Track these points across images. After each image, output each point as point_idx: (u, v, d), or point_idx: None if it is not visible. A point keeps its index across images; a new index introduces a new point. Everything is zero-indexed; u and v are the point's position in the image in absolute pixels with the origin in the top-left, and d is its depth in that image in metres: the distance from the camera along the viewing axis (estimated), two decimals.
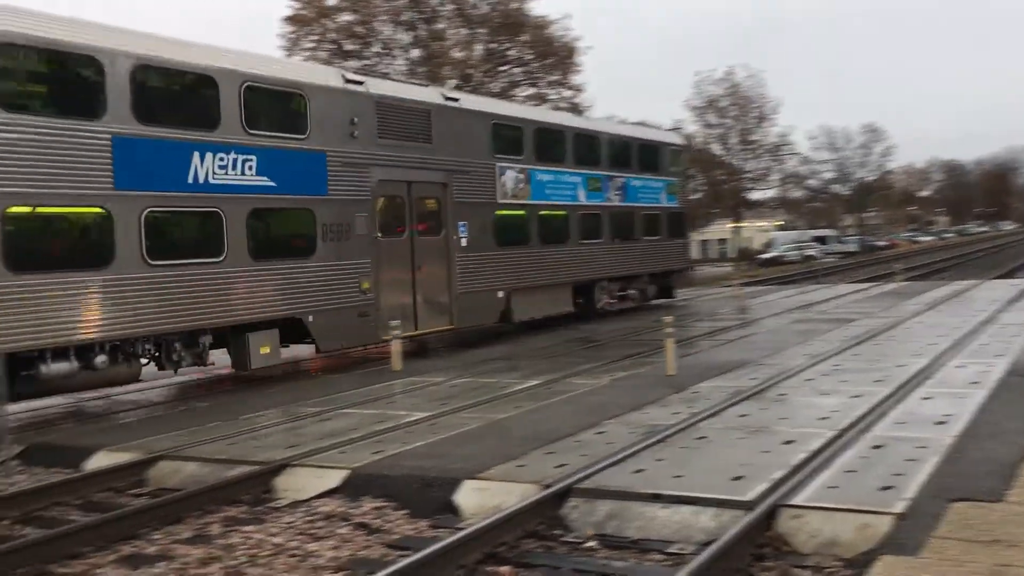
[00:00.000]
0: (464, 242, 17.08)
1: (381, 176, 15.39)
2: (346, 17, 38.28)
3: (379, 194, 15.42)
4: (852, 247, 78.46)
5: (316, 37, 38.13)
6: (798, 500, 6.19)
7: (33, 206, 10.88)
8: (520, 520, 6.39)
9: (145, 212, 11.85)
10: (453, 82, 36.97)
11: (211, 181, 12.68)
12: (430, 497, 7.23)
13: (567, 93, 41.04)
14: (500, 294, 17.91)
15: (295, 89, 14.10)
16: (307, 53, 36.98)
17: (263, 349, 13.35)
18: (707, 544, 5.66)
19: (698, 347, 15.11)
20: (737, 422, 8.93)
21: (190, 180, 12.44)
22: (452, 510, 7.06)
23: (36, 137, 10.78)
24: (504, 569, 5.84)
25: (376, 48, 39.28)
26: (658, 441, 8.21)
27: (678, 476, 7.00)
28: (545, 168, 19.47)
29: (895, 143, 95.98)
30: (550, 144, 19.88)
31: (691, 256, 26.99)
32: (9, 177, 10.52)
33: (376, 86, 15.72)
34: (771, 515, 6.01)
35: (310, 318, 14.01)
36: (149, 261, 11.85)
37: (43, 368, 10.90)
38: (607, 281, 21.62)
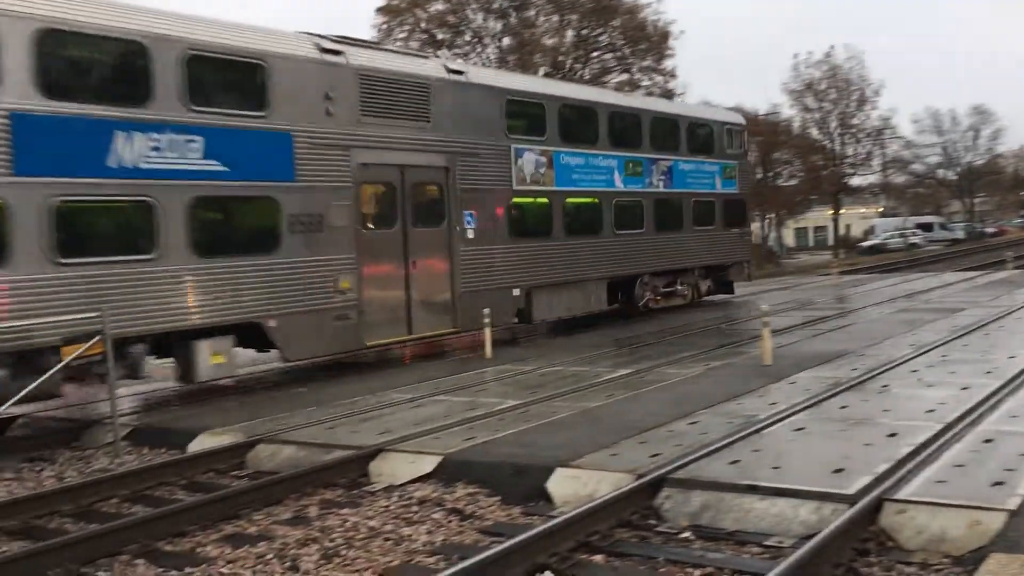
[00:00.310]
0: (471, 234, 15.18)
1: (365, 159, 13.48)
2: (438, 6, 38.55)
3: (362, 180, 13.56)
4: (959, 234, 75.43)
5: (408, 27, 38.53)
6: (903, 495, 6.03)
7: None
8: (613, 509, 6.35)
9: (52, 202, 10.10)
10: (544, 69, 36.88)
11: (141, 166, 10.84)
12: (522, 484, 7.25)
13: (660, 79, 40.50)
14: (516, 292, 16.01)
15: (253, 59, 12.20)
16: (399, 43, 37.40)
17: (214, 359, 11.61)
18: (807, 538, 5.51)
19: (795, 336, 14.74)
20: (838, 414, 8.70)
21: (112, 164, 10.57)
22: (544, 498, 7.07)
23: None
24: (598, 558, 5.80)
25: (467, 37, 39.47)
26: (754, 432, 8.06)
27: (776, 468, 6.86)
28: (573, 150, 17.43)
29: (1005, 125, 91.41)
30: (579, 123, 17.93)
31: (751, 247, 24.37)
32: None
33: (359, 56, 13.65)
34: (875, 509, 5.83)
35: (272, 323, 12.18)
36: (58, 259, 10.13)
37: None
38: (650, 276, 19.66)
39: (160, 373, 13.07)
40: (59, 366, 9.53)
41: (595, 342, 15.65)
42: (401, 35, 38.30)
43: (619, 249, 18.51)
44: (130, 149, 10.75)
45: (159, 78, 11.11)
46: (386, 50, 14.69)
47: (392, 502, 7.26)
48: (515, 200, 16.26)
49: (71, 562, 6.15)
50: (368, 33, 39.14)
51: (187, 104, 11.36)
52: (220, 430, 9.80)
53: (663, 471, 6.89)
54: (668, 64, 40.79)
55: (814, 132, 57.74)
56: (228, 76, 12.24)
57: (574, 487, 7.05)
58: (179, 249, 11.18)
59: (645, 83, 40.15)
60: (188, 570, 5.98)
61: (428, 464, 7.92)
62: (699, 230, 21.07)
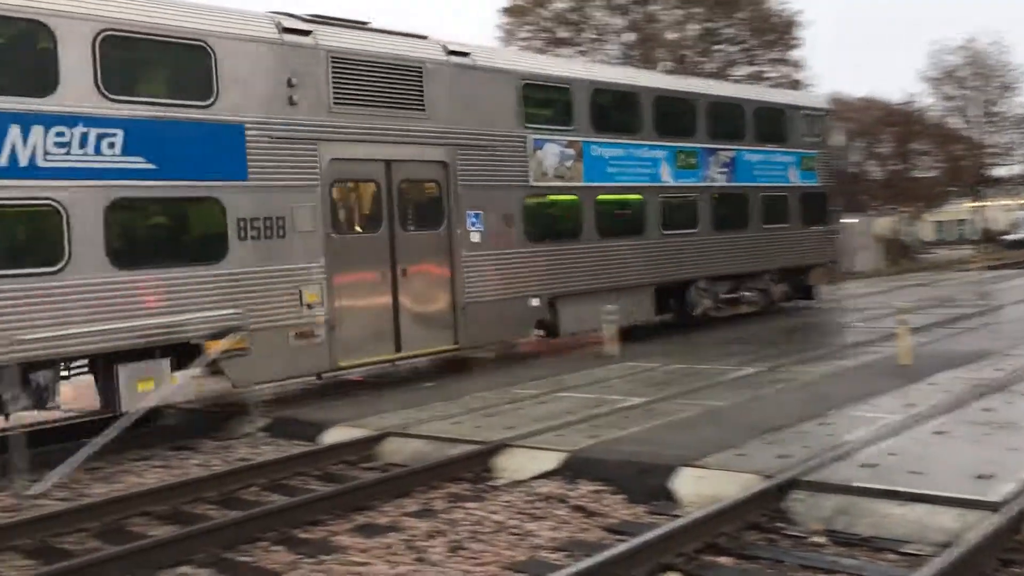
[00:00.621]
0: (476, 237, 13.43)
1: (337, 154, 11.92)
2: (560, 5, 38.60)
3: (335, 177, 11.99)
4: None
5: (531, 27, 38.73)
6: None
7: None
8: (741, 511, 6.25)
9: None
10: (667, 64, 36.43)
11: (42, 164, 9.40)
12: (647, 483, 7.22)
13: (787, 69, 39.39)
14: (534, 302, 14.18)
15: (193, 39, 10.65)
16: (523, 43, 37.63)
17: (142, 385, 10.05)
18: (947, 546, 5.28)
19: (934, 335, 14.09)
20: (981, 416, 8.32)
21: (3, 163, 9.16)
22: (669, 497, 7.02)
23: None
24: (725, 559, 5.72)
25: (589, 34, 39.37)
26: (891, 434, 7.75)
27: (914, 472, 6.62)
28: (607, 140, 15.45)
29: None
30: (616, 110, 16.01)
31: (838, 247, 21.54)
32: None
33: (331, 37, 12.02)
34: (1021, 518, 5.52)
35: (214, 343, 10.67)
36: None
37: None
38: (707, 281, 17.40)
39: (80, 400, 11.80)
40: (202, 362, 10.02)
41: (721, 339, 15.37)
42: (524, 35, 38.55)
43: (667, 252, 16.46)
44: (28, 145, 9.31)
45: (66, 63, 9.62)
46: (372, 30, 12.72)
47: (516, 497, 7.34)
48: (532, 198, 14.42)
49: (215, 547, 6.47)
50: (494, 35, 39.61)
51: (103, 92, 9.86)
52: (351, 423, 10.08)
53: (793, 473, 6.75)
54: (795, 54, 39.65)
55: (955, 121, 54.96)
56: (159, 60, 10.72)
57: (700, 487, 6.98)
58: (93, 259, 9.69)
59: (771, 75, 39.14)
60: (322, 558, 6.19)
61: (552, 460, 7.96)
62: (769, 229, 18.83)
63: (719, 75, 35.71)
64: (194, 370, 10.46)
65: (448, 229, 13.19)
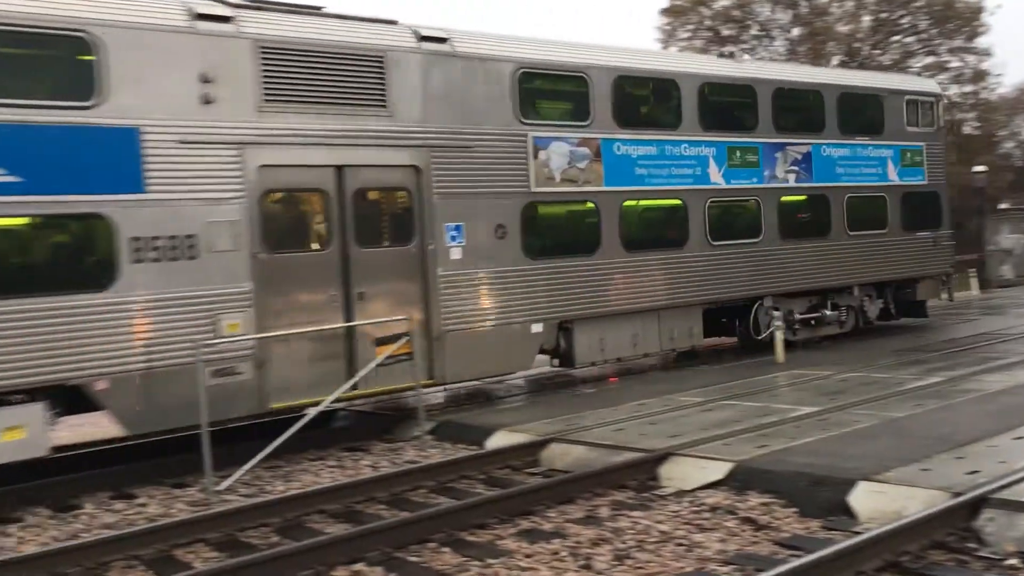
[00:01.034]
0: (457, 253, 11.70)
1: (270, 160, 10.39)
2: (723, 2, 37.77)
3: (267, 187, 10.42)
4: None
5: (692, 26, 38.10)
6: None
7: None
8: (926, 529, 5.93)
9: None
10: (838, 58, 35.00)
11: None
12: (820, 497, 6.95)
13: (971, 59, 37.01)
14: (536, 327, 12.32)
15: (67, 30, 9.22)
16: (683, 43, 37.06)
17: (8, 435, 8.67)
18: None
19: None
20: None
21: None
22: (846, 512, 6.73)
23: None
24: None
25: (754, 31, 38.32)
26: None
27: None
28: (635, 137, 13.47)
29: None
30: (647, 100, 14.18)
31: (952, 255, 18.58)
32: None
33: (259, 23, 10.43)
34: None
35: (101, 385, 9.21)
36: None
37: None
38: (776, 299, 15.14)
39: None
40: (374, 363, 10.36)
41: (896, 347, 14.58)
42: (684, 35, 37.97)
43: (717, 266, 14.39)
44: None
45: None
46: (326, 15, 11.22)
47: (683, 507, 7.22)
48: (535, 205, 12.56)
49: (385, 546, 6.69)
50: (653, 36, 39.17)
51: None
52: (515, 428, 10.22)
53: (984, 490, 6.36)
54: (981, 42, 37.17)
55: None
56: (29, 55, 9.29)
57: (880, 503, 6.66)
58: None
59: (954, 64, 36.89)
60: (489, 561, 6.28)
61: (719, 470, 7.77)
62: (859, 236, 16.42)
63: (896, 68, 33.93)
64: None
65: (420, 245, 11.50)
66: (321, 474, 9.48)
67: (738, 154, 14.81)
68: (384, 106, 11.25)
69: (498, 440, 9.98)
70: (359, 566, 6.41)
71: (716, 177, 14.49)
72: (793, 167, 15.57)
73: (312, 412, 9.96)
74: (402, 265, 11.36)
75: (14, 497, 8.86)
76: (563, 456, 9.05)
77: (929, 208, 17.96)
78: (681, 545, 6.37)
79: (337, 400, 10.29)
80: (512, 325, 12.10)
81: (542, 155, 12.54)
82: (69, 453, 10.56)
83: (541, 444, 9.40)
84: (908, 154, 17.54)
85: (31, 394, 8.88)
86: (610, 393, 12.19)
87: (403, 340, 10.39)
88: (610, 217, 13.20)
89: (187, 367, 9.27)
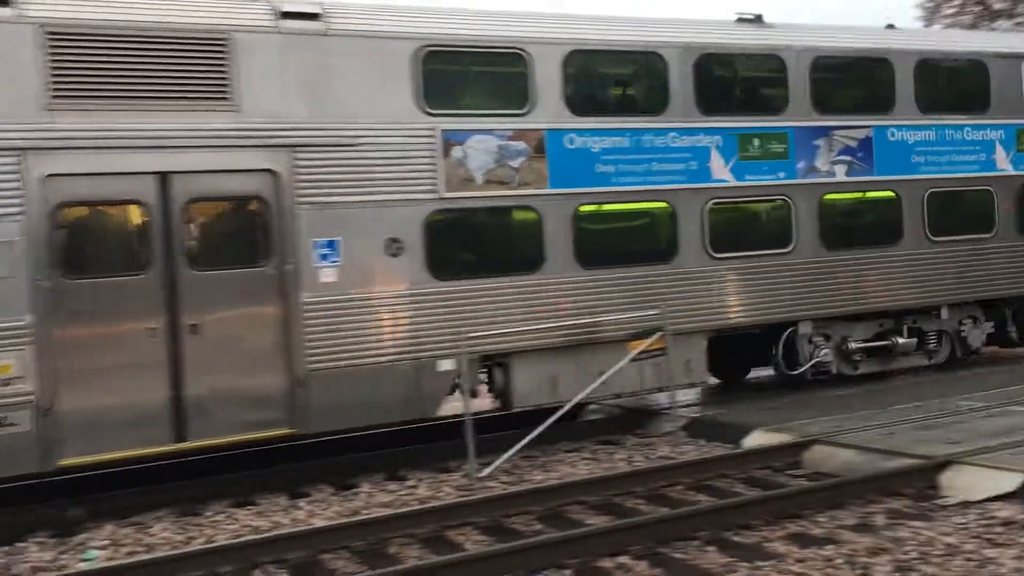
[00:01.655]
0: (330, 275, 9.39)
1: (60, 168, 8.50)
2: None
3: (59, 200, 8.49)
4: None
5: (958, 1, 35.16)
6: None
7: None
8: None
9: None
10: None
11: None
12: None
13: None
14: (446, 365, 9.74)
15: None
16: (948, 20, 34.29)
17: None
18: None
19: None
20: None
21: None
22: None
23: None
24: None
25: None
26: None
27: None
28: (596, 126, 10.61)
29: None
30: (618, 79, 11.42)
31: None
32: None
33: (48, 5, 8.59)
34: None
35: None
36: None
37: None
38: (818, 325, 11.81)
39: None
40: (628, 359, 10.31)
41: None
42: (950, 11, 35.10)
43: (723, 284, 11.23)
44: None
45: None
46: None
47: (969, 520, 6.68)
48: (446, 214, 9.97)
49: (648, 540, 6.65)
50: (911, 16, 36.59)
51: None
52: (773, 428, 9.82)
53: None
54: None
55: None
56: None
57: None
58: None
59: None
60: (758, 563, 6.07)
61: (1010, 481, 7.12)
62: (947, 241, 12.53)
63: None
64: None
65: (278, 266, 9.21)
66: (577, 466, 9.52)
67: (756, 143, 11.34)
68: (227, 98, 9.10)
69: (756, 439, 9.64)
70: (624, 559, 6.38)
71: (721, 172, 11.14)
72: (844, 156, 11.87)
73: (570, 403, 10.11)
74: (253, 290, 9.14)
75: (298, 475, 9.57)
76: (828, 459, 8.63)
77: None
78: (971, 560, 5.87)
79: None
80: (408, 361, 9.60)
81: (456, 152, 9.96)
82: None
83: (803, 445, 9.00)
84: None
85: None
86: (875, 394, 11.40)
87: (656, 336, 10.34)
88: (560, 226, 10.37)
89: None
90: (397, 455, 10.18)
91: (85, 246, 8.83)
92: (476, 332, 9.58)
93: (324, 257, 9.39)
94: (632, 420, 11.48)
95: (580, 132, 10.48)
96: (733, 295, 11.26)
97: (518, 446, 9.41)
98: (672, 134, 10.93)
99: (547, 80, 10.33)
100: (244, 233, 9.51)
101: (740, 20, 11.87)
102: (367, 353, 9.45)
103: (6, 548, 7.79)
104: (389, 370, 9.54)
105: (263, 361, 9.07)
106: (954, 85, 13.21)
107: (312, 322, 9.22)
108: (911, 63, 12.46)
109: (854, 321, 12.04)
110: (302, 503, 8.72)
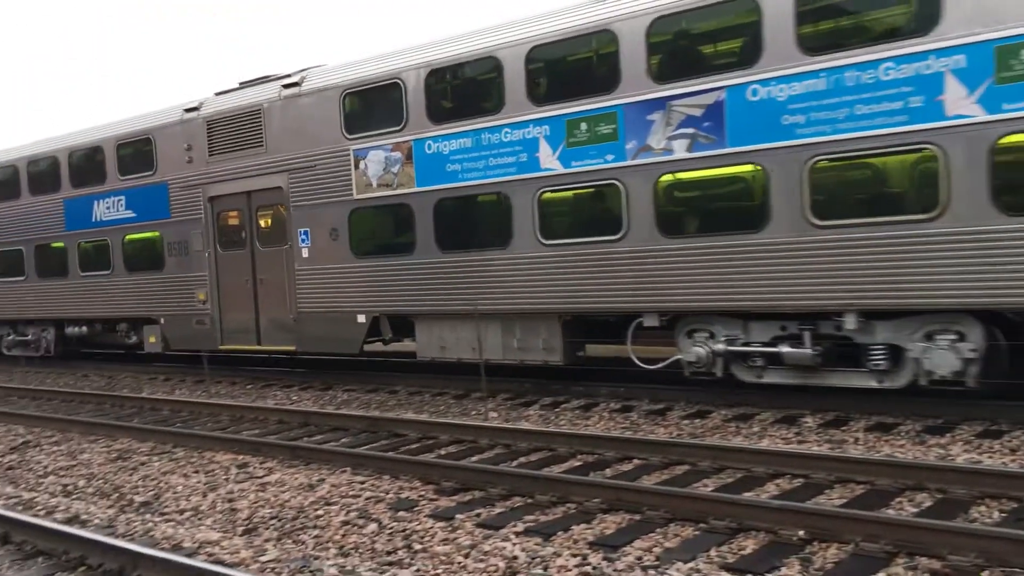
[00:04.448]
0: (305, 252, 14.00)
1: (214, 192, 15.05)
2: None
3: (216, 210, 15.23)
4: None
5: None
6: None
7: None
8: None
9: None
10: None
11: None
12: None
13: None
14: (361, 318, 13.36)
15: None
16: None
17: None
18: None
19: None
20: None
21: None
22: None
23: None
24: None
25: None
26: None
27: None
28: (446, 132, 12.00)
29: None
30: (463, 88, 12.20)
31: None
32: None
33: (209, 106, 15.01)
34: None
35: None
36: None
37: None
38: (700, 318, 10.26)
39: None
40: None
41: None
42: None
43: (559, 269, 11.23)
44: None
45: None
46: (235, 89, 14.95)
47: None
48: (358, 211, 13.30)
49: None
50: None
51: None
52: None
53: None
54: None
55: None
56: None
57: None
58: None
59: None
60: None
61: None
62: (845, 226, 9.17)
63: None
64: None
65: (289, 245, 14.14)
66: None
67: (584, 127, 10.86)
68: (262, 145, 14.35)
69: None
70: None
71: (549, 161, 11.18)
72: (684, 129, 10.10)
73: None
74: (282, 262, 14.40)
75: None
76: None
77: None
78: None
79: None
80: (343, 313, 13.61)
81: (362, 165, 13.08)
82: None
83: None
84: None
85: None
86: None
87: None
88: (424, 218, 12.49)
89: (185, 315, 15.83)
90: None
91: (225, 233, 15.32)
92: (380, 296, 13.22)
93: (303, 241, 14.08)
94: None
95: (435, 139, 12.29)
96: (564, 281, 11.35)
97: None
98: (505, 130, 11.62)
99: (415, 98, 12.46)
100: (277, 226, 14.58)
101: None
102: (322, 305, 13.95)
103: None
104: (333, 318, 13.80)
105: (284, 304, 14.46)
106: (866, 6, 9.11)
107: (299, 282, 14.22)
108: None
109: (751, 320, 10.22)
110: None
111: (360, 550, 6.36)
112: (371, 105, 13.15)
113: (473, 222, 12.27)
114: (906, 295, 8.90)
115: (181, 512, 7.69)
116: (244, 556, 6.33)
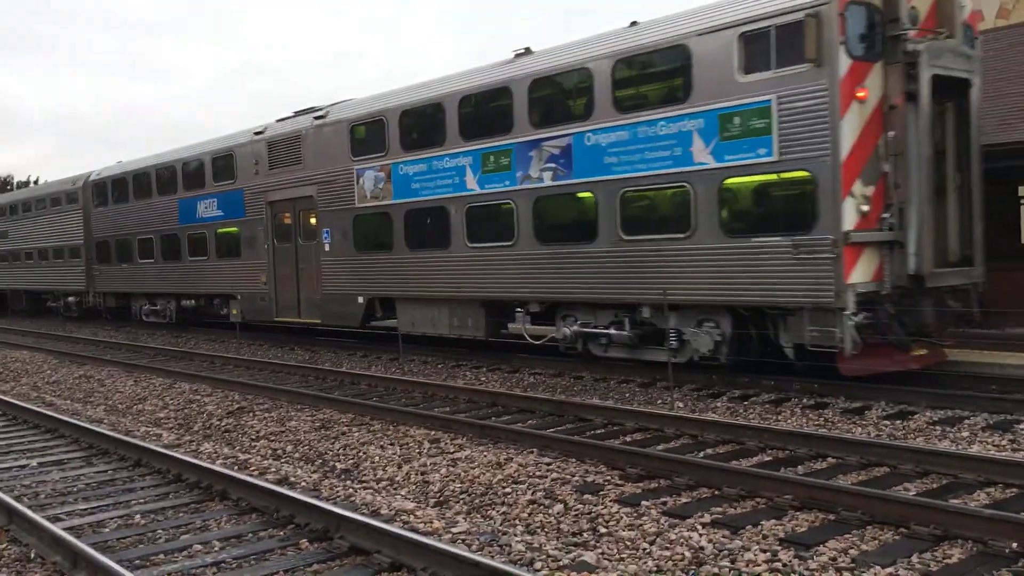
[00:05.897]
0: (327, 247, 18.25)
1: (272, 197, 19.51)
2: None
3: (274, 212, 19.69)
4: None
5: None
6: None
7: None
8: None
9: None
10: None
11: None
12: None
13: None
14: (360, 299, 17.63)
15: None
16: None
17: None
18: None
19: None
20: None
21: None
22: None
23: None
24: None
25: None
26: None
27: None
28: (411, 158, 16.12)
29: None
30: (421, 126, 16.00)
31: None
32: None
33: (269, 131, 20.37)
34: None
35: None
36: None
37: None
38: (566, 306, 14.12)
39: None
40: None
41: None
42: None
43: (475, 266, 15.12)
44: None
45: None
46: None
47: None
48: (358, 216, 17.43)
49: None
50: None
51: None
52: None
53: None
54: None
55: None
56: None
57: None
58: None
59: None
60: None
61: None
62: (638, 241, 12.37)
63: None
64: None
65: (318, 241, 18.43)
66: None
67: (492, 159, 14.51)
68: (300, 163, 18.67)
69: None
70: None
71: (472, 184, 14.92)
72: (549, 164, 13.58)
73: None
74: (316, 254, 18.58)
75: None
76: None
77: None
78: None
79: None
80: (349, 295, 17.78)
81: (361, 181, 17.14)
82: None
83: None
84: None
85: None
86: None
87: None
88: (398, 223, 16.45)
89: (254, 293, 18.85)
90: None
91: (278, 230, 19.80)
92: (372, 283, 17.20)
93: (326, 237, 18.33)
94: None
95: (405, 163, 16.20)
96: (479, 276, 14.99)
97: None
98: (446, 158, 15.33)
99: (393, 132, 16.41)
100: (311, 225, 18.80)
101: (516, 56, 14.49)
102: (337, 288, 18.16)
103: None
104: (344, 298, 17.99)
105: (315, 287, 18.78)
106: (653, 78, 12.56)
107: (324, 270, 18.46)
108: (608, 66, 12.79)
109: (597, 308, 13.50)
110: None
111: (546, 529, 6.55)
112: (367, 136, 17.12)
113: (426, 228, 15.97)
114: (673, 293, 12.03)
115: (378, 481, 8.16)
116: (437, 526, 6.57)
